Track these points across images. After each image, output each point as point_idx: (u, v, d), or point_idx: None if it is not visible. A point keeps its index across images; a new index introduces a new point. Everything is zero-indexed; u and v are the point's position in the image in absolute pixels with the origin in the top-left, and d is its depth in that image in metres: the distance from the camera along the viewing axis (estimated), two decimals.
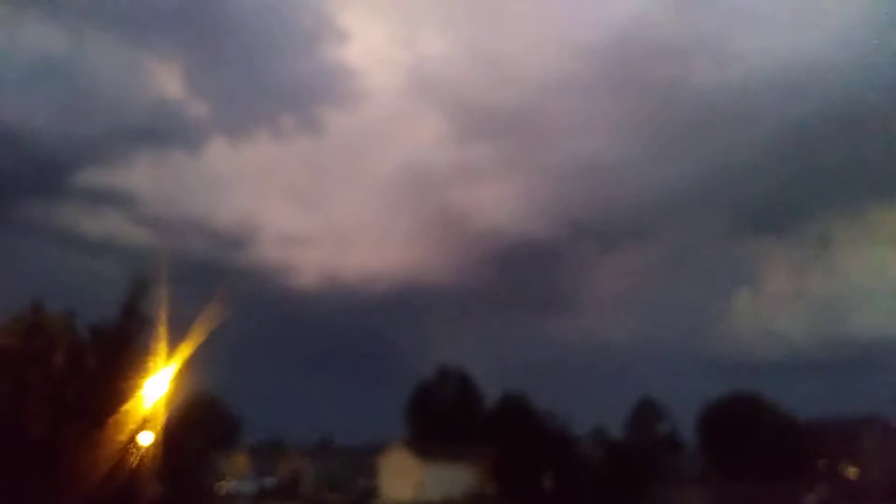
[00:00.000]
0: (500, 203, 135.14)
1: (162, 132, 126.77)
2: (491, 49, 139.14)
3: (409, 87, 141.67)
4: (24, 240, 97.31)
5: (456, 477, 61.08)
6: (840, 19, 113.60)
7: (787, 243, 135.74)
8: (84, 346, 32.53)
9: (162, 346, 33.48)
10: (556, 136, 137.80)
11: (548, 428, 62.23)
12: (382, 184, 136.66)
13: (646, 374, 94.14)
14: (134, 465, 32.06)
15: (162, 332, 33.48)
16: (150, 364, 33.42)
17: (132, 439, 32.49)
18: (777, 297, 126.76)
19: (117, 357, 32.35)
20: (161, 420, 33.73)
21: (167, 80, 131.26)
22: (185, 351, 34.59)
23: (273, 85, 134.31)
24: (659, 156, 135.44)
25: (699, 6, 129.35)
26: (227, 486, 70.73)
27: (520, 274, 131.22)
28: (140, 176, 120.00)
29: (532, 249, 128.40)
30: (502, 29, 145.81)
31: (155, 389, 33.56)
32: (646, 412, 71.99)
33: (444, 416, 73.17)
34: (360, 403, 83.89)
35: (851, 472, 63.28)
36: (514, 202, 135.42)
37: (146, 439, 32.96)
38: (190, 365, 35.28)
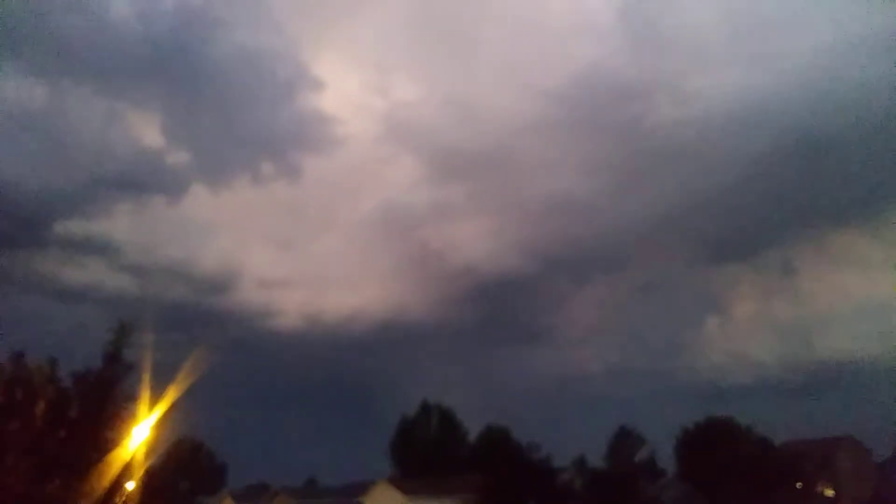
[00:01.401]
0: (476, 240, 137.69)
1: (142, 181, 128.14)
2: (462, 94, 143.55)
3: (384, 132, 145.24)
4: (4, 290, 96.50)
5: None
6: (793, 55, 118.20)
7: (753, 271, 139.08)
8: (67, 395, 32.81)
9: (146, 393, 33.95)
10: (527, 175, 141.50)
11: (530, 459, 62.75)
12: (361, 225, 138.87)
13: (623, 402, 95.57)
14: None
15: (146, 378, 33.97)
16: (135, 411, 33.80)
17: (117, 487, 32.76)
18: (745, 322, 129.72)
19: (101, 405, 32.65)
20: (146, 466, 34.09)
21: (146, 130, 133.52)
22: (169, 397, 35.04)
23: (252, 133, 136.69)
24: (625, 191, 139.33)
25: (656, 48, 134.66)
26: None
27: (497, 308, 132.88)
28: (121, 224, 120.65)
29: (508, 284, 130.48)
30: (472, 75, 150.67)
31: (140, 436, 33.92)
32: (625, 440, 72.87)
33: (428, 452, 73.38)
34: (345, 442, 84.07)
35: (828, 492, 64.40)
36: (489, 239, 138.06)
37: (131, 486, 33.24)
38: (174, 410, 35.80)
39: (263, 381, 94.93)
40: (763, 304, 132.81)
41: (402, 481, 65.82)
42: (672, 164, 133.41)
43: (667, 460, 71.62)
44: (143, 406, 33.66)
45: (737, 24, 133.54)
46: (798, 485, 62.70)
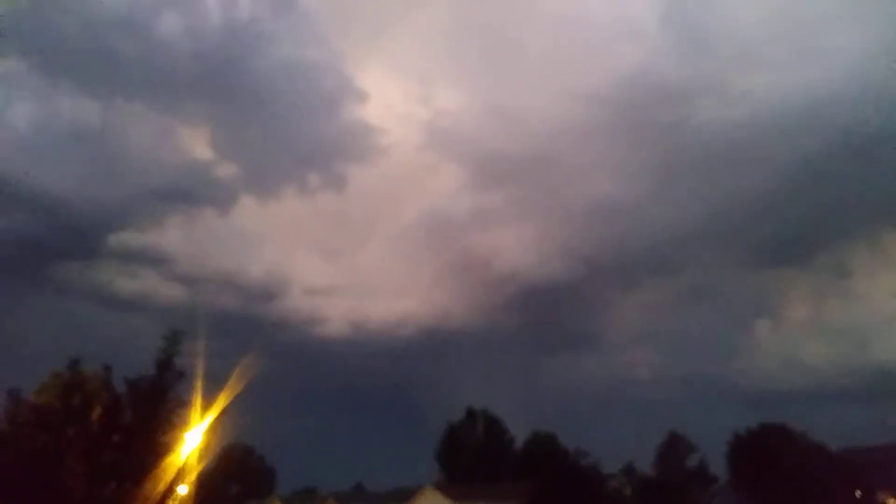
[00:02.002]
0: (520, 246, 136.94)
1: (192, 193, 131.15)
2: (504, 100, 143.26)
3: (427, 141, 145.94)
4: (63, 300, 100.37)
5: None
6: (844, 52, 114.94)
7: (806, 273, 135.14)
8: (121, 401, 33.65)
9: (197, 399, 34.67)
10: (571, 180, 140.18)
11: (578, 466, 62.03)
12: (405, 233, 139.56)
13: (672, 408, 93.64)
14: None
15: (198, 384, 34.69)
16: (186, 416, 34.54)
17: (170, 491, 33.46)
18: (799, 327, 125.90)
19: (154, 411, 33.44)
20: (198, 471, 34.73)
21: (196, 144, 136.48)
22: (220, 403, 35.71)
23: (298, 144, 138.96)
24: (671, 194, 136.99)
25: (701, 49, 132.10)
26: None
27: (542, 314, 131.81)
28: (172, 236, 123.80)
29: (552, 290, 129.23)
30: (514, 81, 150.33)
31: (192, 441, 34.62)
32: (675, 446, 71.47)
33: (474, 458, 73.14)
34: (391, 448, 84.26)
35: (890, 501, 62.12)
36: (533, 245, 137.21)
37: (183, 491, 33.89)
38: (225, 416, 36.44)
39: (311, 387, 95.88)
40: (816, 308, 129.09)
41: (448, 487, 65.75)
42: (720, 166, 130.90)
43: (718, 467, 70.16)
44: (195, 412, 34.42)
45: (784, 22, 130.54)
46: (857, 493, 60.71)
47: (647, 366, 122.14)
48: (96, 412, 33.25)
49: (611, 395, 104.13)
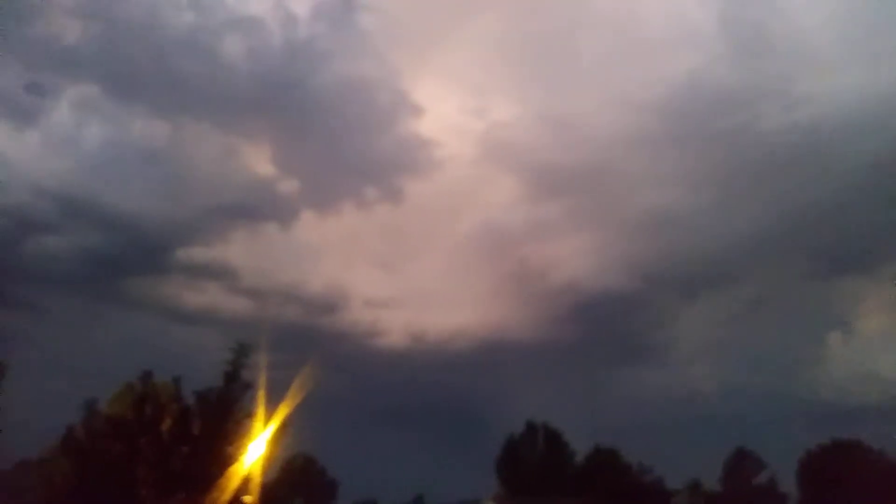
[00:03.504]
0: (577, 258, 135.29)
1: (256, 209, 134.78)
2: (559, 111, 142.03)
3: (482, 153, 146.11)
4: (134, 314, 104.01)
5: None
6: None
7: (878, 282, 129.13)
8: (190, 412, 34.65)
9: (262, 410, 35.49)
10: (628, 190, 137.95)
11: (641, 482, 60.99)
12: (461, 245, 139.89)
13: (738, 422, 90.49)
14: None
15: (261, 396, 35.52)
16: (251, 427, 35.38)
17: (235, 501, 34.24)
18: (872, 338, 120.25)
19: (221, 421, 34.36)
20: (261, 482, 35.44)
21: (258, 161, 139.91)
22: (282, 414, 36.45)
23: (355, 159, 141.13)
24: (732, 202, 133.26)
25: (761, 53, 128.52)
26: None
27: (600, 327, 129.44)
28: (237, 250, 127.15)
29: (611, 302, 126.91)
30: (569, 91, 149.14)
31: (255, 452, 35.41)
32: (742, 462, 69.47)
33: (534, 472, 72.53)
34: (451, 460, 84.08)
35: None
36: (590, 256, 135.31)
37: (248, 501, 34.62)
38: (287, 427, 37.15)
39: (371, 399, 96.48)
40: (891, 318, 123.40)
41: (508, 501, 65.50)
42: (782, 173, 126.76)
43: (788, 485, 67.88)
44: (258, 423, 35.24)
45: (847, 24, 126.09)
46: None
47: (711, 379, 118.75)
48: (167, 423, 34.33)
49: (674, 409, 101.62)
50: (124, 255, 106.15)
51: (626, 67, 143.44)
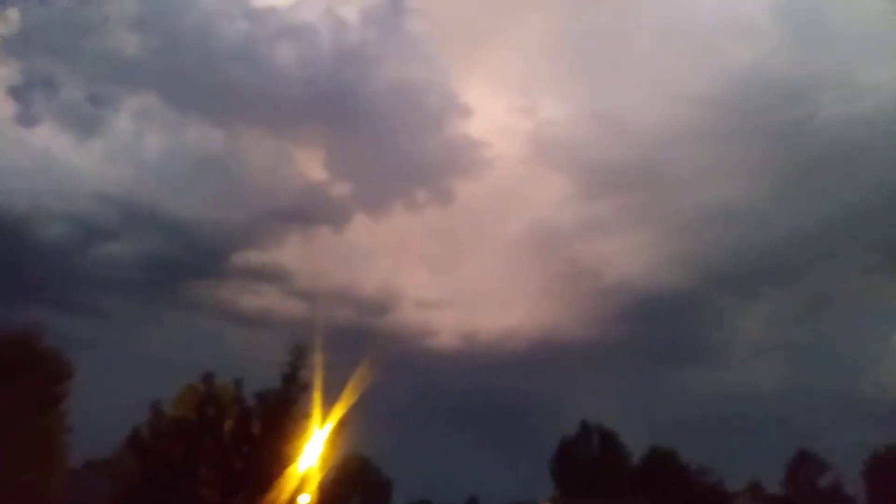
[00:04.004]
0: (630, 256, 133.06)
1: (309, 212, 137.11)
2: (609, 107, 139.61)
3: (531, 152, 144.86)
4: (193, 317, 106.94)
5: None
6: None
7: None
8: (250, 413, 35.37)
9: (318, 411, 36.08)
10: (683, 186, 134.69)
11: (700, 483, 59.88)
12: (511, 245, 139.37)
13: (801, 423, 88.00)
14: None
15: (317, 396, 36.11)
16: (308, 428, 35.97)
17: (293, 501, 34.84)
18: None
19: (280, 422, 35.02)
20: (317, 482, 35.99)
21: (311, 166, 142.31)
22: (337, 414, 36.97)
23: (406, 162, 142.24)
24: (792, 196, 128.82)
25: (819, 43, 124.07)
26: None
27: (655, 326, 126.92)
28: (291, 253, 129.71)
29: (666, 300, 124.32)
30: (619, 87, 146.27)
31: (312, 452, 35.98)
32: (805, 464, 67.61)
33: (589, 473, 71.89)
34: (504, 461, 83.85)
35: None
36: (644, 254, 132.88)
37: (304, 501, 35.17)
38: (343, 427, 37.65)
39: (425, 399, 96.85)
40: None
41: (564, 502, 65.06)
42: (844, 165, 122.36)
43: (854, 487, 65.77)
44: (315, 423, 35.81)
45: None
46: None
47: (771, 378, 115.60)
48: (228, 424, 35.09)
49: (732, 409, 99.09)
50: (183, 259, 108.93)
51: (677, 61, 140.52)
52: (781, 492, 65.97)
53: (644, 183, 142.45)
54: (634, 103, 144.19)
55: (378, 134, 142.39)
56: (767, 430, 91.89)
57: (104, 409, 50.70)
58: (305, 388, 36.14)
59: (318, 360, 36.72)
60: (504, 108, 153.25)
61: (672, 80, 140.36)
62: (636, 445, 73.32)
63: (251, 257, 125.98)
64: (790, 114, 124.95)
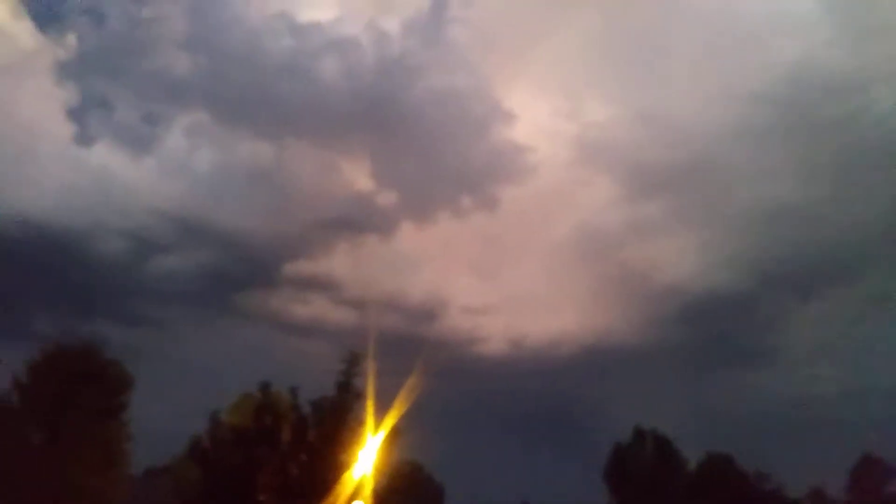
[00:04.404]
0: (681, 257, 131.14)
1: (356, 222, 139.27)
2: (656, 107, 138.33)
3: (577, 155, 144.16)
4: (246, 326, 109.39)
5: None
6: None
7: None
8: (306, 421, 35.76)
9: (369, 418, 36.37)
10: (734, 185, 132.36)
11: (760, 490, 58.49)
12: (559, 249, 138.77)
13: (865, 428, 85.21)
14: None
15: (369, 404, 36.40)
16: (362, 435, 36.23)
17: None
18: None
19: (335, 430, 35.33)
20: (371, 488, 36.18)
21: (357, 176, 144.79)
22: (390, 421, 37.20)
23: (450, 169, 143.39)
24: (848, 193, 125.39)
25: (872, 34, 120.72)
26: None
27: (710, 328, 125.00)
28: (340, 262, 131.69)
29: (720, 302, 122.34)
30: (665, 86, 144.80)
31: (366, 459, 36.23)
32: (870, 470, 65.39)
33: (644, 480, 70.79)
34: (557, 467, 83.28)
35: None
36: (696, 255, 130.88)
37: None
38: (395, 434, 37.88)
39: (474, 405, 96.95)
40: None
41: None
42: None
43: None
44: (368, 430, 36.09)
45: None
46: None
47: (832, 381, 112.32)
48: (285, 432, 35.53)
49: (792, 413, 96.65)
50: (236, 270, 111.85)
51: (725, 59, 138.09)
52: (845, 498, 64.07)
53: (693, 183, 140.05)
54: (680, 102, 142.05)
55: (422, 142, 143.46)
56: (828, 433, 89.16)
57: (162, 417, 51.97)
58: (359, 395, 36.33)
59: (369, 368, 36.98)
60: (548, 112, 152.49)
61: (718, 78, 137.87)
62: (692, 451, 72.02)
63: (302, 267, 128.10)
64: (843, 108, 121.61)
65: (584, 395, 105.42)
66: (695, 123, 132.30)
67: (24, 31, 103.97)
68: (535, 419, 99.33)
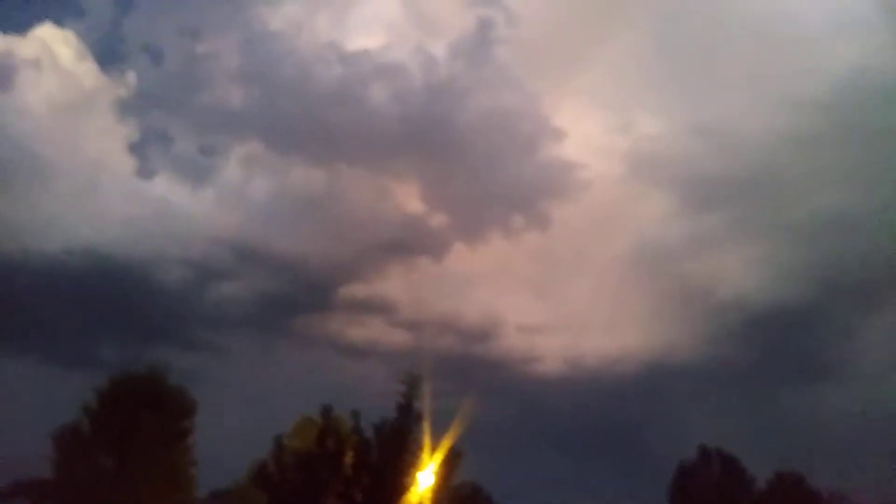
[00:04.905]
0: (743, 271, 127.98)
1: (409, 244, 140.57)
2: (710, 118, 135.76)
3: (630, 170, 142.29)
4: (303, 350, 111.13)
5: None
6: None
7: None
8: (369, 444, 35.79)
9: (428, 440, 36.31)
10: (794, 194, 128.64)
11: None
12: (615, 265, 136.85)
13: None
14: None
15: (426, 425, 36.38)
16: (422, 457, 36.15)
17: None
18: None
19: (397, 452, 35.32)
20: None
21: (409, 198, 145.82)
22: (449, 442, 37.10)
23: (501, 189, 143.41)
24: None
25: None
26: None
27: (775, 343, 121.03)
28: (394, 285, 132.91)
29: (784, 315, 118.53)
30: (718, 96, 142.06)
31: (426, 481, 36.14)
32: None
33: (711, 500, 68.78)
34: (618, 488, 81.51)
35: None
36: (758, 268, 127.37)
37: None
38: (454, 455, 37.73)
39: (532, 426, 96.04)
40: None
41: None
42: None
43: None
44: (426, 452, 36.02)
45: None
46: None
47: None
48: (348, 455, 35.65)
49: (865, 429, 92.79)
50: (292, 294, 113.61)
51: (779, 66, 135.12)
52: None
53: (752, 194, 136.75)
54: (734, 111, 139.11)
55: (472, 163, 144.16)
56: None
57: (224, 441, 52.69)
58: (419, 417, 36.26)
59: (427, 389, 36.99)
60: (598, 128, 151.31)
61: (774, 85, 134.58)
62: (760, 470, 69.75)
63: (356, 290, 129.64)
64: None
65: (645, 414, 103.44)
66: (750, 132, 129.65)
67: (88, 72, 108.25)
68: (595, 439, 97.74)
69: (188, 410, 39.85)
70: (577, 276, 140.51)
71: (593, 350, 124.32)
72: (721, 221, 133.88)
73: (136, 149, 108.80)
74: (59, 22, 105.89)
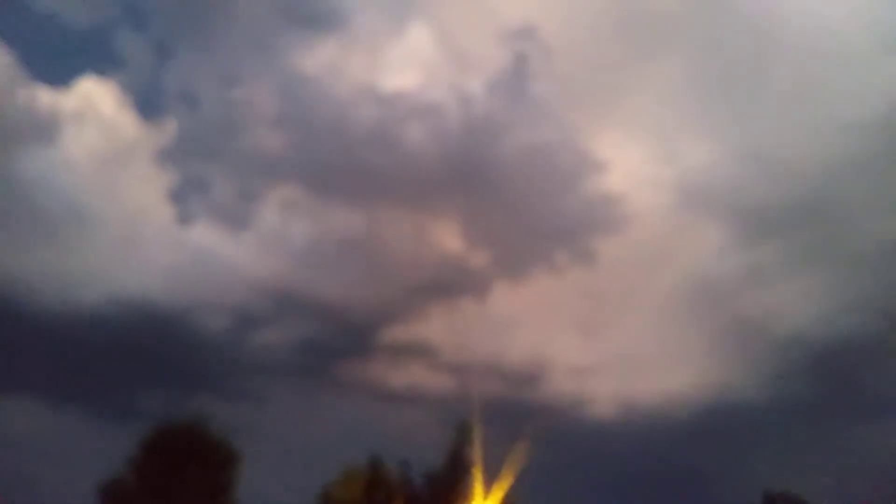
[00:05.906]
0: (804, 303, 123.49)
1: (450, 284, 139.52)
2: (760, 144, 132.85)
3: (678, 201, 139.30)
4: (345, 396, 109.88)
5: None
6: None
7: None
8: (418, 495, 34.27)
9: (479, 487, 34.67)
10: (852, 221, 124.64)
11: None
12: (666, 301, 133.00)
13: None
14: None
15: (477, 472, 34.75)
16: None
17: None
18: None
19: (448, 502, 33.65)
20: None
21: (448, 238, 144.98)
22: (500, 490, 35.39)
23: (542, 225, 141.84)
24: None
25: None
26: None
27: (840, 379, 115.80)
28: (435, 327, 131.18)
29: (849, 349, 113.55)
30: (767, 121, 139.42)
31: None
32: None
33: None
34: None
35: None
36: (819, 300, 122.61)
37: None
38: (505, 503, 35.94)
39: (585, 472, 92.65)
40: None
41: None
42: None
43: None
44: (478, 500, 34.37)
45: None
46: None
47: None
48: None
49: None
50: (333, 339, 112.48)
51: (828, 86, 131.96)
52: None
53: (809, 222, 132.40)
54: (783, 136, 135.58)
55: (512, 199, 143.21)
56: None
57: (268, 491, 51.43)
58: (470, 465, 34.63)
59: (477, 436, 35.49)
60: (642, 159, 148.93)
61: (825, 107, 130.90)
62: None
63: (397, 333, 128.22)
64: None
65: (705, 457, 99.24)
66: (802, 157, 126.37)
67: (128, 122, 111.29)
68: (654, 484, 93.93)
69: (231, 460, 38.82)
70: (626, 314, 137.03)
71: (647, 391, 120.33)
72: (777, 252, 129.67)
73: (175, 196, 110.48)
74: (101, 73, 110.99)
